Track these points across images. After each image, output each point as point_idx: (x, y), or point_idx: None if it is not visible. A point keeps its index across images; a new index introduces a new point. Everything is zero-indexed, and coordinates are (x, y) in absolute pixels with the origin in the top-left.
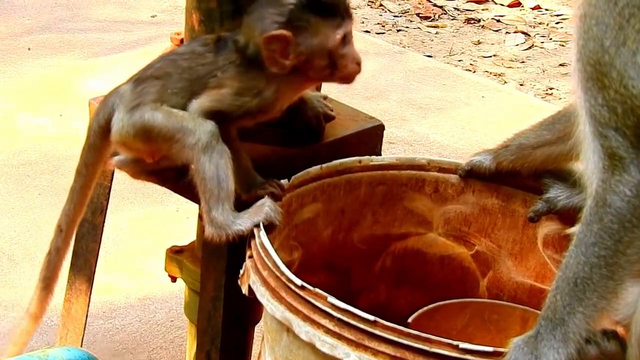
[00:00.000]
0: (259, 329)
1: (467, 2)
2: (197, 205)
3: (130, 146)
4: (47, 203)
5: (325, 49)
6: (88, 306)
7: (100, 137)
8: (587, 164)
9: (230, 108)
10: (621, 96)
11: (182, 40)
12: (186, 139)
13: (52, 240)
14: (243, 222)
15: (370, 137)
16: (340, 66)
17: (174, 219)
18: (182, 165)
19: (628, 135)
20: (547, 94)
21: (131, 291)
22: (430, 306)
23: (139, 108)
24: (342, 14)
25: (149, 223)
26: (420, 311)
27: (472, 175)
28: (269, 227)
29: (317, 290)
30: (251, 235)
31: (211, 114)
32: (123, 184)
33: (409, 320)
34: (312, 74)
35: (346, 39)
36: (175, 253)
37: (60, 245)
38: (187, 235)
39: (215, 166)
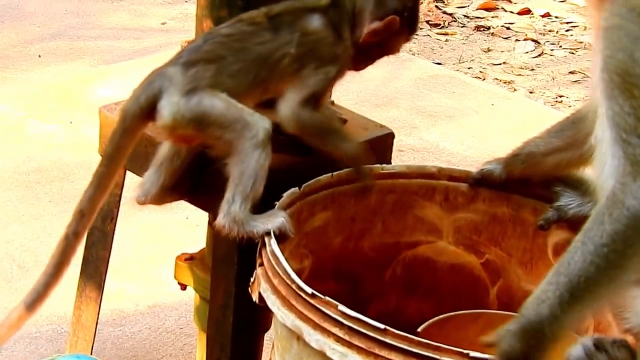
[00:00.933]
0: (269, 337)
1: (477, 9)
2: (207, 213)
3: (178, 131)
4: (58, 210)
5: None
6: (98, 314)
7: (138, 119)
8: (603, 167)
9: (320, 85)
10: None
11: None
12: (243, 130)
13: (69, 224)
14: (256, 225)
15: (380, 146)
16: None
17: (183, 226)
18: (197, 172)
19: None
20: (556, 101)
21: (141, 298)
22: (442, 316)
23: (196, 93)
24: None
25: (159, 230)
26: (431, 321)
27: (482, 183)
28: (282, 238)
29: (328, 298)
30: (262, 243)
31: (307, 101)
32: (133, 191)
33: (419, 329)
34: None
35: None
36: (185, 261)
37: (80, 231)
38: (197, 242)
39: (260, 166)
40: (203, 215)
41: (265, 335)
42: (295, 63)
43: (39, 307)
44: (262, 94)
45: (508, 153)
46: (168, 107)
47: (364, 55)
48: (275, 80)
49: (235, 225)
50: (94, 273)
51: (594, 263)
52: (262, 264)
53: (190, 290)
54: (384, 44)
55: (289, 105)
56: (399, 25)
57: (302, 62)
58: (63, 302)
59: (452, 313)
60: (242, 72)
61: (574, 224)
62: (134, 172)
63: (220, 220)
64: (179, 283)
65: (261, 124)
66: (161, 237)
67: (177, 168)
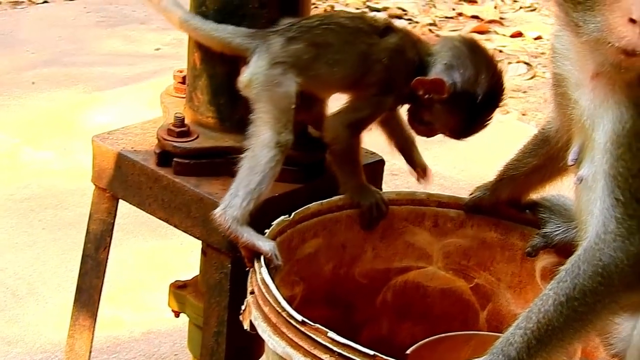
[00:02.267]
0: None
1: (470, 32)
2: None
3: (245, 90)
4: (51, 238)
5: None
6: (92, 342)
7: (224, 50)
8: (589, 206)
9: (369, 113)
10: None
11: (184, 78)
12: (273, 122)
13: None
14: (249, 234)
15: (371, 172)
16: None
17: (178, 252)
18: None
19: None
20: None
21: (135, 325)
22: (434, 337)
23: (281, 67)
24: None
25: (153, 257)
26: (421, 343)
27: (475, 210)
28: (271, 269)
29: (318, 325)
30: (252, 270)
31: (352, 124)
32: (127, 217)
33: (408, 352)
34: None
35: None
36: (179, 288)
37: None
38: (191, 268)
39: (269, 168)
40: (197, 242)
41: None
42: (378, 75)
43: None
44: (343, 90)
45: (492, 179)
46: (252, 69)
47: (413, 106)
48: (362, 82)
49: (229, 220)
50: (88, 301)
51: (564, 314)
52: (252, 292)
53: (184, 316)
54: (432, 109)
55: (338, 120)
56: (444, 91)
57: (379, 78)
58: (57, 330)
59: (445, 334)
60: (341, 63)
61: (561, 249)
62: (126, 201)
63: (218, 210)
64: (172, 311)
65: (288, 135)
66: (155, 264)
67: None
